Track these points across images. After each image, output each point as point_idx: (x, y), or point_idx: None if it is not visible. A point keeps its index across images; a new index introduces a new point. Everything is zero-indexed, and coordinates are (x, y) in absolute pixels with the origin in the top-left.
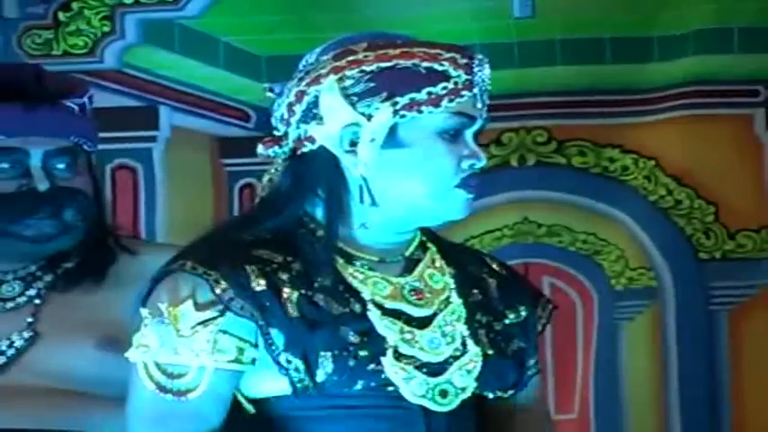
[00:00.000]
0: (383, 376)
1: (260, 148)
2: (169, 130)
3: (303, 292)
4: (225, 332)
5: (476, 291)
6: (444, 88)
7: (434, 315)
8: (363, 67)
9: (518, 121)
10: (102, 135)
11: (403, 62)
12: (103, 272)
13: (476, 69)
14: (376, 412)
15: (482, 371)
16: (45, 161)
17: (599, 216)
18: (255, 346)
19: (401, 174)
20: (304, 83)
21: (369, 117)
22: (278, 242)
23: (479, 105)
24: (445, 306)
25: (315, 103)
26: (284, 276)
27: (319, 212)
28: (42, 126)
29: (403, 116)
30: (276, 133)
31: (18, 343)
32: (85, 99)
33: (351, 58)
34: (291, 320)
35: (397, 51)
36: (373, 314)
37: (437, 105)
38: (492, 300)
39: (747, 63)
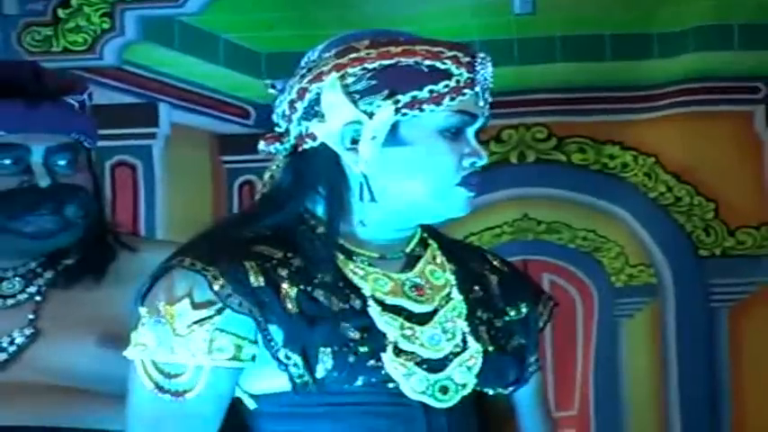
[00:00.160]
0: (383, 372)
1: (261, 145)
2: (169, 127)
3: (302, 287)
4: (222, 330)
5: (477, 287)
6: (446, 86)
7: (435, 311)
8: (365, 65)
9: (518, 118)
10: (101, 132)
11: (405, 60)
12: (104, 269)
13: (478, 67)
14: (376, 409)
15: (482, 367)
16: (46, 158)
17: (599, 213)
18: (255, 342)
19: (402, 172)
20: (306, 80)
21: (370, 115)
22: (278, 238)
23: (481, 104)
24: (446, 302)
25: (316, 101)
26: (283, 272)
27: (320, 209)
28: (44, 122)
29: (404, 114)
30: (277, 130)
31: (19, 340)
32: (85, 96)
33: (353, 55)
34: (290, 316)
35: (400, 49)
36: (374, 310)
37: (439, 103)
38: (493, 296)
39: (747, 60)
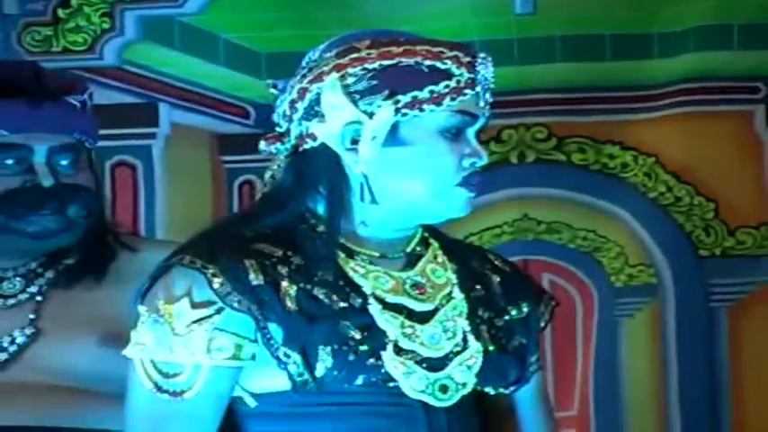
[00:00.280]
0: (383, 371)
1: (262, 145)
2: (169, 127)
3: (302, 285)
4: (221, 330)
5: (478, 286)
6: (447, 86)
7: (436, 310)
8: (366, 65)
9: (518, 118)
10: (101, 132)
11: (405, 60)
12: (104, 269)
13: (479, 68)
14: (376, 409)
15: (483, 366)
16: (48, 157)
17: (599, 213)
18: (255, 341)
19: (402, 172)
20: (306, 80)
21: (370, 115)
22: (278, 236)
23: (482, 104)
24: (447, 301)
25: (317, 101)
26: (283, 270)
27: (321, 209)
28: (46, 122)
29: (405, 114)
30: (278, 130)
31: (20, 340)
32: (86, 96)
33: (353, 55)
34: (290, 314)
35: (400, 49)
36: (374, 308)
37: (439, 104)
38: (494, 296)
39: (747, 60)
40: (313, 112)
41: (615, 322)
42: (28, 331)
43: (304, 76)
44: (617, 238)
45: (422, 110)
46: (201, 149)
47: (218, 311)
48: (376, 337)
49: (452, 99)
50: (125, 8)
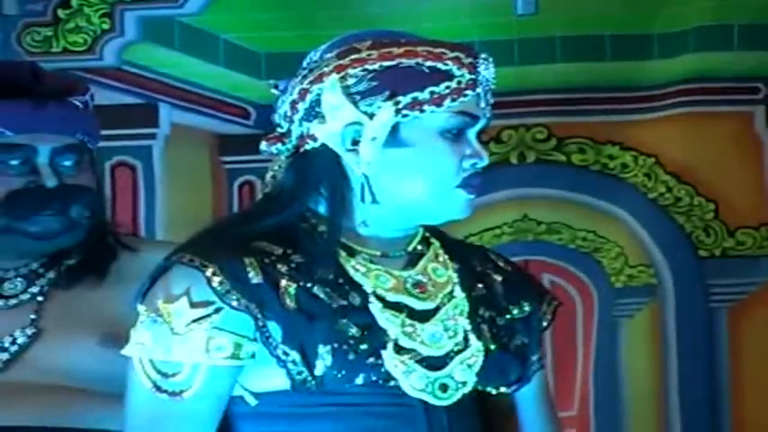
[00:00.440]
0: (383, 370)
1: (263, 145)
2: (168, 128)
3: (302, 284)
4: (220, 329)
5: (479, 285)
6: (447, 87)
7: (437, 309)
8: (366, 66)
9: (518, 119)
10: (101, 132)
11: (406, 61)
12: (105, 269)
13: (480, 69)
14: (376, 410)
15: (483, 365)
16: (52, 158)
17: (599, 213)
18: (254, 340)
19: (403, 173)
20: (307, 80)
21: (371, 116)
22: (278, 235)
23: (483, 105)
24: (448, 300)
25: (317, 102)
26: (283, 269)
27: (322, 209)
28: (50, 123)
29: (405, 115)
30: (279, 130)
31: (21, 340)
32: (88, 97)
33: (354, 56)
34: (289, 313)
35: (401, 50)
36: (375, 306)
37: (440, 105)
38: (496, 295)
39: (747, 60)
40: (314, 112)
41: (615, 322)
42: (29, 331)
43: (305, 76)
44: (617, 238)
45: (422, 111)
46: (201, 150)
47: (217, 311)
48: (376, 336)
49: (453, 100)
50: (125, 8)
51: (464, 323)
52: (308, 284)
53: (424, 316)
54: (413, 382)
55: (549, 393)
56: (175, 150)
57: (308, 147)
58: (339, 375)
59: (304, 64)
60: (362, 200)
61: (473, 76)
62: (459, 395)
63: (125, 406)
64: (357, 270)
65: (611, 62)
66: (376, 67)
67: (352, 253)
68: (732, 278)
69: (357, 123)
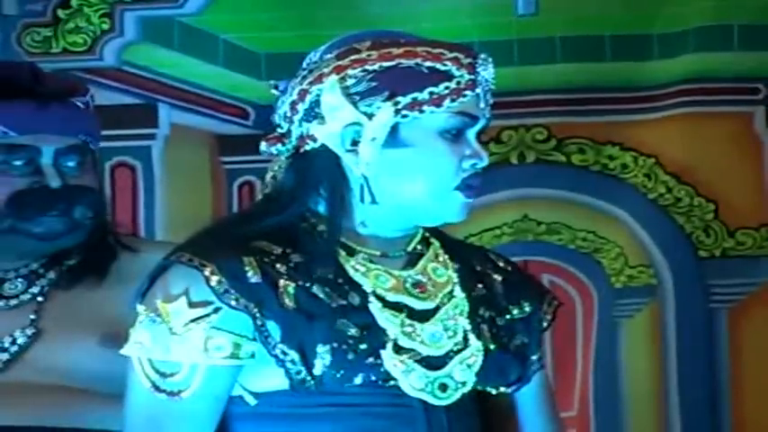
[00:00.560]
0: (382, 369)
1: (263, 146)
2: (168, 128)
3: (301, 283)
4: (219, 329)
5: (479, 285)
6: (447, 88)
7: (437, 309)
8: (366, 67)
9: (518, 119)
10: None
11: (405, 61)
12: (105, 269)
13: (479, 69)
14: (375, 410)
15: (483, 365)
16: (56, 159)
17: (599, 214)
18: (254, 339)
19: (402, 173)
20: (307, 81)
21: (370, 116)
22: (278, 235)
23: (482, 105)
24: (448, 300)
25: (317, 102)
26: (282, 268)
27: (321, 208)
28: (54, 124)
29: (405, 116)
30: (279, 131)
31: (21, 340)
32: (89, 97)
33: (354, 57)
34: (288, 312)
35: (401, 50)
36: (374, 306)
37: (439, 105)
38: (496, 295)
39: (747, 60)
40: (313, 113)
41: (615, 323)
42: (29, 331)
43: (304, 77)
44: (617, 238)
45: (422, 111)
46: (201, 150)
47: (216, 311)
48: (375, 336)
49: (452, 100)
50: (125, 9)
51: (464, 323)
52: (308, 284)
53: (424, 316)
54: (412, 381)
55: (551, 393)
56: (175, 150)
57: (307, 147)
58: (338, 375)
59: (304, 64)
60: (362, 200)
61: (472, 77)
62: (458, 395)
63: (125, 405)
64: (356, 270)
65: (611, 62)
66: (375, 67)
67: (351, 253)
68: (732, 278)
69: (356, 124)
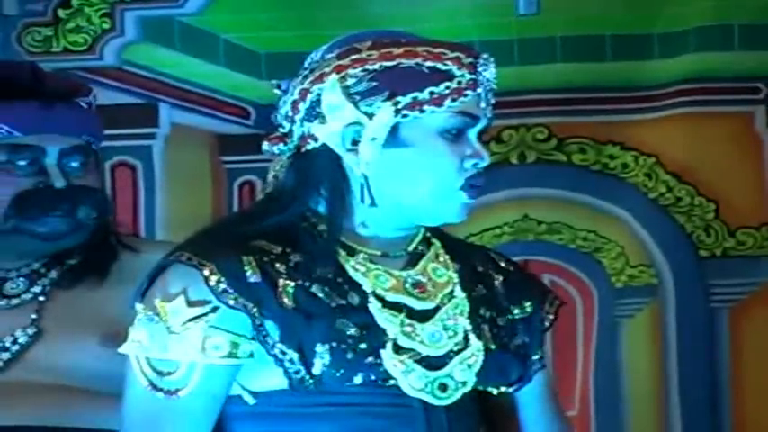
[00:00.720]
0: (381, 369)
1: (265, 145)
2: (169, 128)
3: (300, 283)
4: (217, 328)
5: (480, 285)
6: (447, 88)
7: (437, 309)
8: (366, 66)
9: (518, 119)
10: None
11: (406, 61)
12: (106, 269)
13: (480, 69)
14: (375, 410)
15: (483, 365)
16: (60, 159)
17: (599, 213)
18: (252, 339)
19: (403, 173)
20: (308, 81)
21: (370, 116)
22: (277, 234)
23: (483, 105)
24: (448, 300)
25: (318, 102)
26: (281, 267)
27: (322, 208)
28: (59, 124)
29: (405, 116)
30: (281, 130)
31: (22, 339)
32: (91, 97)
33: (354, 56)
34: (287, 312)
35: (401, 50)
36: (374, 306)
37: (440, 105)
38: (497, 295)
39: (748, 60)
40: (314, 113)
41: (615, 323)
42: (30, 331)
43: (306, 77)
44: (617, 238)
45: (422, 111)
46: (201, 150)
47: (214, 310)
48: (375, 336)
49: (453, 100)
50: (125, 8)
51: (464, 323)
52: (307, 283)
53: (424, 316)
54: (412, 381)
55: (554, 392)
56: (175, 150)
57: (309, 147)
58: (337, 374)
59: (305, 64)
60: (362, 200)
61: (473, 77)
62: (458, 395)
63: (122, 404)
64: (356, 270)
65: (611, 62)
66: (376, 67)
67: (351, 252)
68: (733, 278)
69: (357, 123)
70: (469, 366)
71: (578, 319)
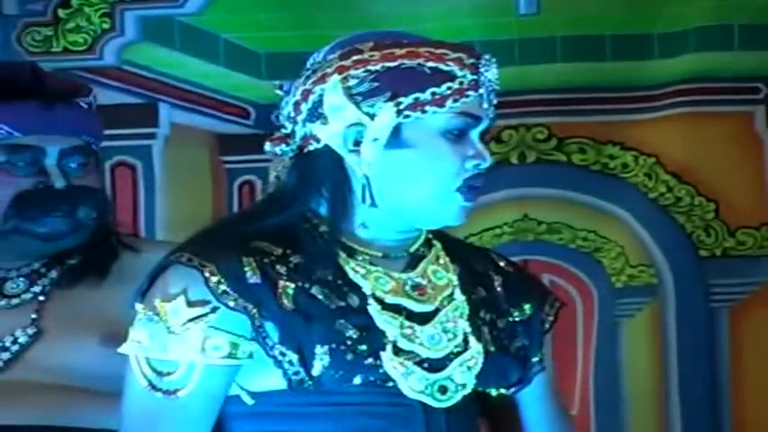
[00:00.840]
0: (381, 371)
1: (267, 146)
2: (168, 128)
3: (300, 284)
4: (217, 328)
5: (480, 288)
6: (449, 88)
7: (437, 311)
8: (368, 67)
9: (518, 119)
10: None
11: (408, 62)
12: (107, 269)
13: (482, 69)
14: (373, 409)
15: (483, 367)
16: (60, 159)
17: (599, 213)
18: (252, 340)
19: (405, 174)
20: (310, 81)
21: (372, 117)
22: (278, 235)
23: (485, 105)
24: (448, 302)
25: (320, 103)
26: (282, 269)
27: (323, 210)
28: (59, 125)
29: (407, 116)
30: (284, 131)
31: (22, 339)
32: (92, 98)
33: (356, 57)
34: (286, 313)
35: (403, 51)
36: (373, 308)
37: (441, 105)
38: (497, 297)
39: (748, 60)
40: (316, 113)
41: (615, 322)
42: (30, 331)
43: (308, 77)
44: (617, 238)
45: (424, 111)
46: (201, 149)
47: (214, 310)
48: (375, 338)
49: (455, 101)
50: (125, 8)
51: (464, 325)
52: (307, 285)
53: (424, 318)
54: (412, 383)
55: (556, 392)
56: (175, 150)
57: (311, 148)
58: (336, 376)
59: (308, 65)
60: (363, 201)
61: (475, 77)
62: (458, 397)
63: (122, 403)
64: (356, 272)
65: (611, 62)
66: (378, 67)
67: (351, 254)
68: (733, 278)
69: (359, 124)
70: (469, 369)
71: (578, 319)
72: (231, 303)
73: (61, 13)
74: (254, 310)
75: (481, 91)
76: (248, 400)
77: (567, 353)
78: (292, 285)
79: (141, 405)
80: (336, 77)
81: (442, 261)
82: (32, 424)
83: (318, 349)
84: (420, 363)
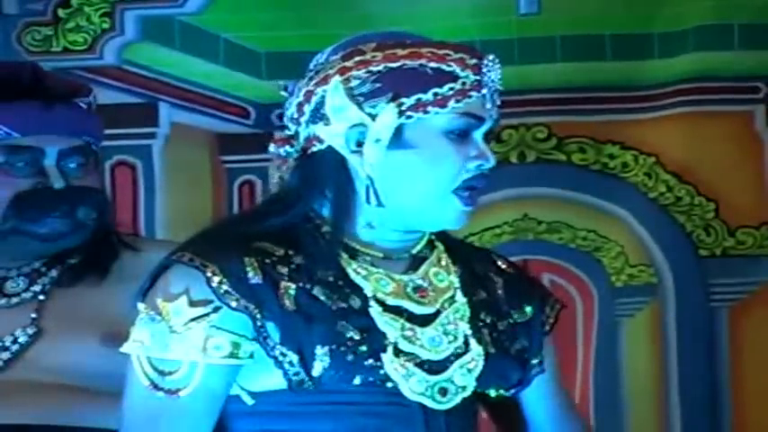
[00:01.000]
0: (381, 372)
1: (271, 147)
2: (168, 127)
3: (302, 285)
4: (219, 328)
5: (481, 290)
6: (451, 89)
7: (437, 313)
8: (370, 68)
9: (518, 118)
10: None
11: (410, 62)
12: (107, 268)
13: (485, 70)
14: (372, 409)
15: (483, 370)
16: (59, 160)
17: (599, 213)
18: (253, 340)
19: (407, 174)
20: (313, 82)
21: (374, 117)
22: (280, 236)
23: (488, 106)
24: (449, 305)
25: (322, 104)
26: (283, 270)
27: (326, 211)
28: (58, 125)
29: (409, 117)
30: (287, 132)
31: (22, 339)
32: (91, 98)
33: (358, 58)
34: (287, 314)
35: (405, 51)
36: (374, 310)
37: (443, 106)
38: (497, 299)
39: (748, 60)
40: (319, 114)
41: (615, 322)
42: (30, 330)
43: (311, 78)
44: (617, 237)
45: (426, 112)
46: (201, 149)
47: (216, 310)
48: (375, 339)
49: (457, 101)
50: (125, 8)
51: (464, 328)
52: (308, 286)
53: (424, 320)
54: (412, 385)
55: (562, 393)
56: (175, 150)
57: (314, 149)
58: (337, 376)
59: (311, 66)
60: (367, 201)
61: (478, 78)
62: (458, 399)
63: (123, 403)
64: (358, 273)
65: (611, 62)
66: (380, 68)
67: (353, 255)
68: (733, 278)
69: (361, 125)
70: (469, 371)
71: (578, 319)
72: (233, 303)
73: (61, 12)
74: (256, 311)
75: (484, 92)
76: (248, 401)
77: (567, 352)
78: (294, 286)
79: (142, 404)
80: (338, 78)
81: (443, 263)
82: (32, 423)
83: (319, 350)
84: (420, 364)
